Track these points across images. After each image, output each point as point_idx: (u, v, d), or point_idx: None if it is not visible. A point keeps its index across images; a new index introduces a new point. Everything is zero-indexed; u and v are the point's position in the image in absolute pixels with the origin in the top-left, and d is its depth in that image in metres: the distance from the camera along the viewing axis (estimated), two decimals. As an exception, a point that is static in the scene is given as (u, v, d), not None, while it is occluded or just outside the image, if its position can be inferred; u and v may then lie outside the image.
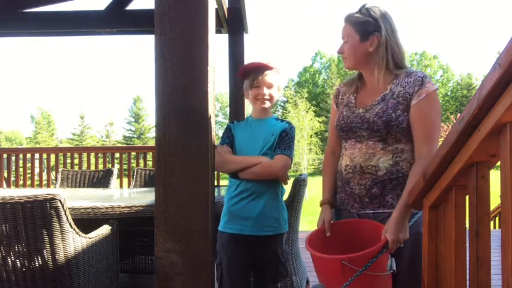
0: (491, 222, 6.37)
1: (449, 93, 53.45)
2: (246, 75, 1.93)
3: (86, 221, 2.16)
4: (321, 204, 1.72)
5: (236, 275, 1.83)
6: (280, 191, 1.92)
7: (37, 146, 37.76)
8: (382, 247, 1.41)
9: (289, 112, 37.50)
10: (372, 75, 1.60)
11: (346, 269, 1.36)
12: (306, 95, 40.28)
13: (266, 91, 1.87)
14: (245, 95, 1.96)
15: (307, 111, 35.45)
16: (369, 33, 1.54)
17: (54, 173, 5.62)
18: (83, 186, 4.08)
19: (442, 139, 1.16)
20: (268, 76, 1.88)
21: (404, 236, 1.45)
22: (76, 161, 6.27)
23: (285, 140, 1.89)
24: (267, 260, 1.88)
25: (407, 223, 1.47)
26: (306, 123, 34.71)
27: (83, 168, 5.45)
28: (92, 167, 5.60)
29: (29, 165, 6.78)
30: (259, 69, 1.89)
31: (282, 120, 1.99)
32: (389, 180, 1.53)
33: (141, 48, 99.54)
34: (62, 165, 7.88)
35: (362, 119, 1.57)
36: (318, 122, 35.53)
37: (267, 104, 1.90)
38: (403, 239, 1.45)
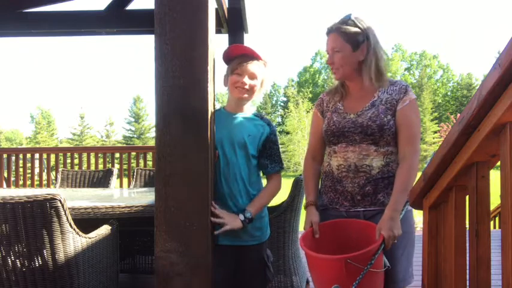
0: (491, 222, 6.36)
1: (449, 93, 53.44)
2: (229, 60, 1.74)
3: (86, 221, 2.16)
4: (306, 207, 1.73)
5: (218, 281, 1.62)
6: None
7: (37, 146, 37.73)
8: (380, 244, 1.46)
9: (290, 112, 37.50)
10: (358, 82, 1.68)
11: (351, 267, 1.39)
12: (310, 95, 40.25)
13: (247, 80, 1.67)
14: (224, 81, 1.76)
15: (308, 112, 35.45)
16: (360, 43, 1.62)
17: (54, 173, 5.62)
18: (83, 186, 4.08)
19: (442, 139, 1.18)
20: (253, 65, 1.69)
21: (398, 232, 1.51)
22: (76, 161, 6.28)
23: (275, 151, 1.74)
24: (255, 267, 1.76)
25: (399, 220, 1.53)
26: (307, 123, 34.71)
27: (83, 168, 5.46)
28: (92, 167, 5.60)
29: (29, 165, 6.78)
30: (245, 55, 1.70)
31: (262, 117, 1.78)
32: (381, 179, 1.61)
33: (141, 48, 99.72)
34: (62, 165, 7.89)
35: (355, 123, 1.64)
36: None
37: (246, 96, 1.70)
38: (397, 235, 1.51)
